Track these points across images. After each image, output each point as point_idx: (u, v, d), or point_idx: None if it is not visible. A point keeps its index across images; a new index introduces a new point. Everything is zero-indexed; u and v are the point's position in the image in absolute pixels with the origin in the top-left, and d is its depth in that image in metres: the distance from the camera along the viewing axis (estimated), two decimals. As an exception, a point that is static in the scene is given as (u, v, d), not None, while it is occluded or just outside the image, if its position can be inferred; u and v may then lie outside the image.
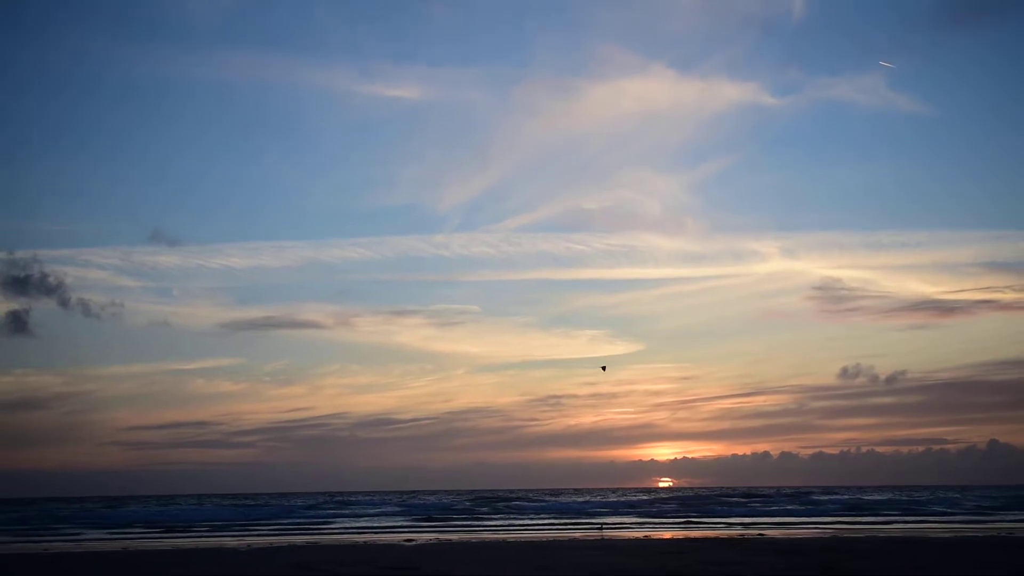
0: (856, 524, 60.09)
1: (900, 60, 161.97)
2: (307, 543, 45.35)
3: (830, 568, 27.42)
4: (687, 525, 60.81)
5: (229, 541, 49.27)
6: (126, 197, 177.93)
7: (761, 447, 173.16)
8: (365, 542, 46.11)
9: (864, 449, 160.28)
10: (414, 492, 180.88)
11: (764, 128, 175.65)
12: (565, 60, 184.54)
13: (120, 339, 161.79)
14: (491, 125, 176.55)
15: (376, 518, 77.71)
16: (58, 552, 43.04)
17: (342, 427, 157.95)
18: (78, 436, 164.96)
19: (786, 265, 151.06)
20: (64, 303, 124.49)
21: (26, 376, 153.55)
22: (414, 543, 43.98)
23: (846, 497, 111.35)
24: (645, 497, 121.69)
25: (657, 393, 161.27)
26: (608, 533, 51.54)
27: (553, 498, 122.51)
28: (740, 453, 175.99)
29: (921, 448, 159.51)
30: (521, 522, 68.01)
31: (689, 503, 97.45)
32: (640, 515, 76.48)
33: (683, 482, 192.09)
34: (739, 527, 56.46)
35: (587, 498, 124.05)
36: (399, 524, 67.32)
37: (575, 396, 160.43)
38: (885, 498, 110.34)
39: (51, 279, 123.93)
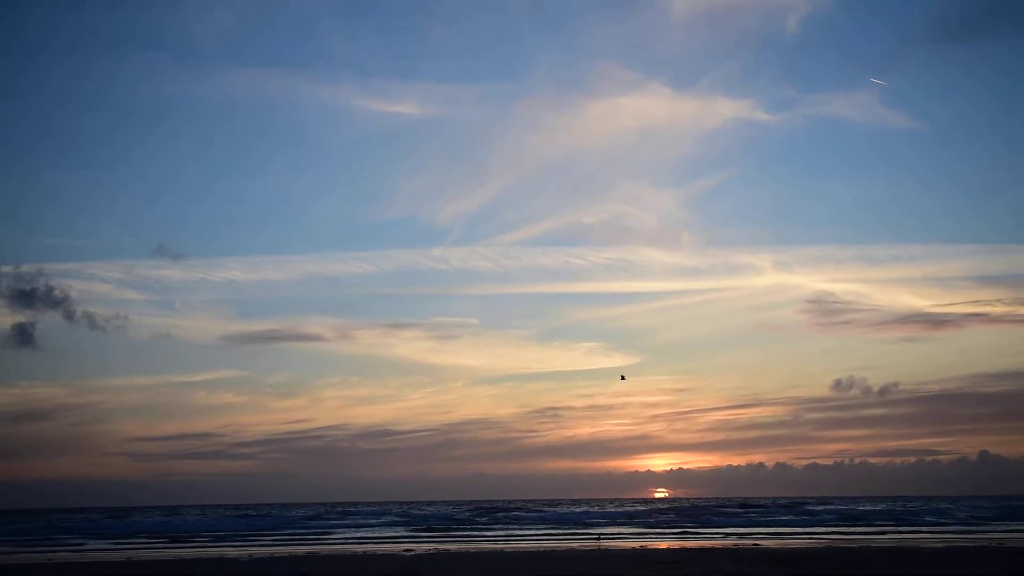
0: (850, 534, 60.68)
1: (892, 77, 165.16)
2: (308, 553, 45.92)
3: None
4: (683, 536, 61.34)
5: (231, 551, 49.81)
6: (130, 212, 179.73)
7: (756, 458, 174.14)
8: (365, 552, 46.70)
9: (857, 460, 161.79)
10: (414, 502, 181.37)
11: (759, 144, 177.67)
12: (564, 77, 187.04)
13: (124, 351, 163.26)
14: (491, 141, 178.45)
15: (376, 528, 78.23)
16: (62, 562, 43.62)
17: (343, 438, 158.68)
18: (83, 447, 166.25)
19: (780, 279, 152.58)
20: (69, 316, 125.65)
21: (32, 388, 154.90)
22: (413, 553, 44.56)
23: (840, 507, 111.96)
24: (642, 508, 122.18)
25: (653, 405, 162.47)
26: (605, 543, 52.13)
27: (551, 508, 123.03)
28: (735, 464, 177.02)
29: (913, 459, 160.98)
30: (519, 532, 68.55)
31: (685, 513, 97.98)
32: (637, 525, 77.02)
33: (679, 493, 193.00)
34: (735, 537, 57.03)
35: (584, 508, 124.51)
36: (399, 534, 67.85)
37: (572, 408, 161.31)
38: (879, 508, 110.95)
39: (56, 292, 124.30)
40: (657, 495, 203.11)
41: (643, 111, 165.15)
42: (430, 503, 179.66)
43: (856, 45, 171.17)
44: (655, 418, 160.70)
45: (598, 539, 56.97)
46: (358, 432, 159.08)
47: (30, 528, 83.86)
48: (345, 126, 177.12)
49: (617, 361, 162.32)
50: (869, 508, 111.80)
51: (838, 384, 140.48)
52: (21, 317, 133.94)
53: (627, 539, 57.37)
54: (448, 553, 44.46)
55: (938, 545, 46.50)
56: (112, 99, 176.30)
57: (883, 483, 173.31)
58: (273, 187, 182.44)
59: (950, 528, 69.36)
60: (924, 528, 69.96)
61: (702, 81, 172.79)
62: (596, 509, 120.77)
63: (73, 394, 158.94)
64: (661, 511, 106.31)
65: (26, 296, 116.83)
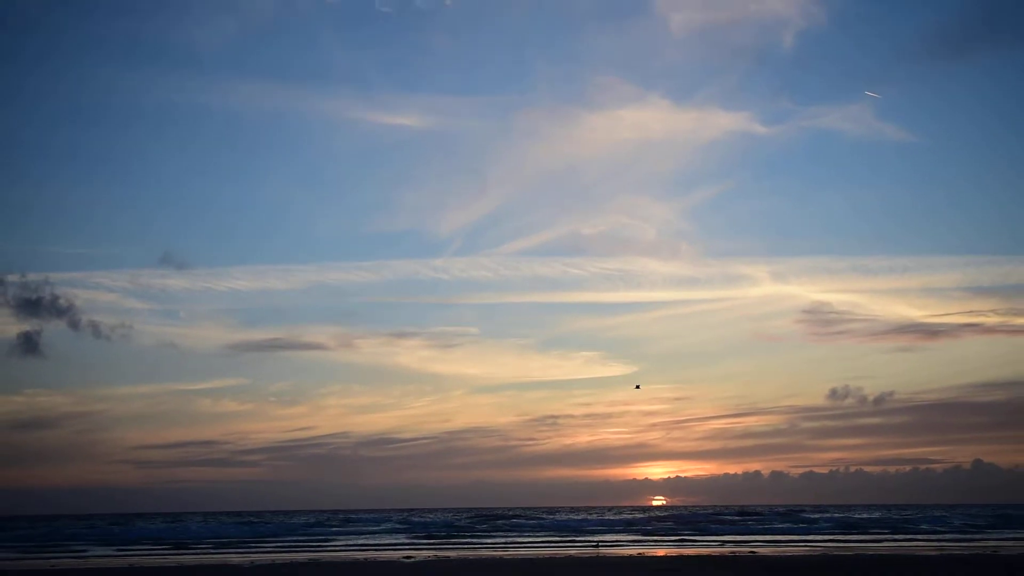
0: (847, 542, 61.16)
1: (887, 91, 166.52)
2: (309, 560, 46.41)
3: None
4: (681, 543, 61.77)
5: (233, 558, 50.29)
6: (135, 222, 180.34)
7: (753, 466, 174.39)
8: (366, 559, 47.20)
9: (853, 468, 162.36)
10: (414, 510, 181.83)
11: (755, 156, 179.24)
12: (564, 90, 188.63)
13: (129, 360, 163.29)
14: (491, 152, 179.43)
15: (377, 535, 78.61)
16: (65, 568, 44.10)
17: (344, 446, 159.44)
18: (87, 455, 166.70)
19: (777, 289, 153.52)
20: (74, 325, 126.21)
21: (37, 396, 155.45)
22: (413, 560, 45.07)
23: (836, 515, 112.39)
24: (640, 515, 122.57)
25: (651, 413, 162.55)
26: (604, 550, 52.63)
27: (550, 516, 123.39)
28: (732, 472, 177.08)
29: (908, 468, 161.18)
30: (519, 539, 68.98)
31: (683, 521, 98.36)
32: (635, 533, 77.42)
33: (676, 500, 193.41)
34: (732, 545, 57.51)
35: (583, 516, 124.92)
36: (399, 541, 68.29)
37: (571, 416, 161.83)
38: (875, 516, 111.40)
39: (62, 301, 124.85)
40: (655, 503, 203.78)
41: (642, 123, 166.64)
42: (430, 510, 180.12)
43: (851, 59, 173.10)
44: (653, 426, 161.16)
45: (597, 546, 57.45)
46: (360, 440, 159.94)
47: (34, 534, 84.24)
48: (347, 138, 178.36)
49: (616, 370, 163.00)
50: (865, 516, 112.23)
51: (834, 393, 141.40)
52: (27, 326, 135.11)
53: (625, 546, 57.84)
54: (448, 560, 44.96)
55: (933, 553, 47.01)
56: (117, 109, 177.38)
57: (878, 491, 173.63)
58: (277, 197, 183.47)
59: (946, 536, 69.86)
60: (920, 536, 70.45)
61: (700, 94, 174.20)
62: (594, 516, 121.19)
63: (78, 402, 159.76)
64: (659, 519, 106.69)
65: (32, 305, 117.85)
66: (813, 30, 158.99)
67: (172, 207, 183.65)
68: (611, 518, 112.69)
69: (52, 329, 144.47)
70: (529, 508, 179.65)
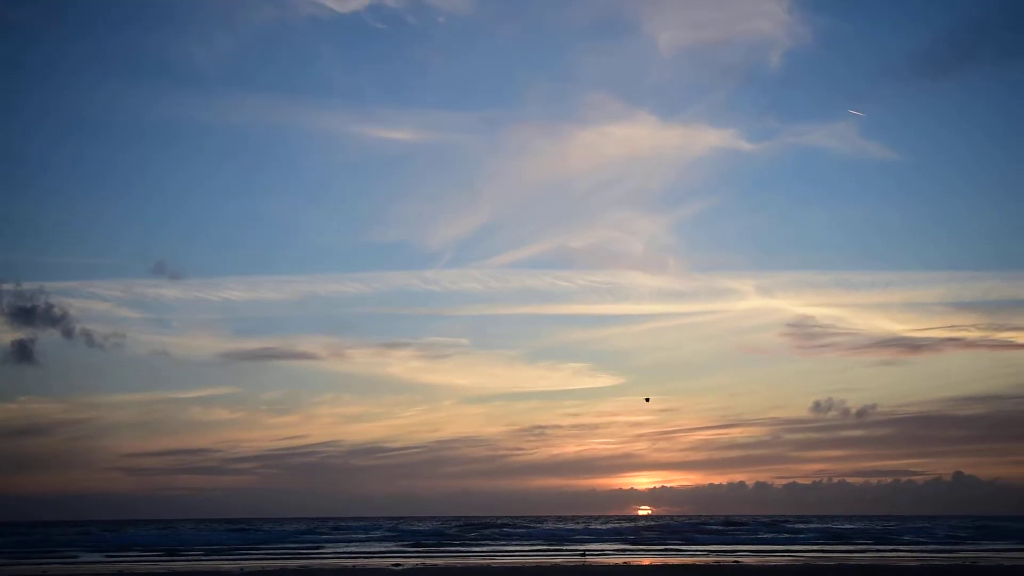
0: (829, 552, 61.87)
1: (870, 109, 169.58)
2: (299, 567, 46.87)
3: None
4: (667, 552, 62.39)
5: (224, 565, 50.70)
6: (130, 233, 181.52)
7: (737, 477, 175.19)
8: (355, 566, 47.68)
9: (836, 480, 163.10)
10: (404, 518, 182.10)
11: (741, 172, 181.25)
12: (554, 106, 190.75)
13: (121, 368, 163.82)
14: (482, 167, 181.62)
15: (366, 543, 79.04)
16: (55, 574, 44.56)
17: (335, 455, 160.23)
18: (79, 462, 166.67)
19: (762, 303, 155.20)
20: (68, 333, 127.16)
21: (30, 403, 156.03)
22: (402, 568, 45.60)
23: (820, 526, 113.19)
24: (627, 525, 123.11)
25: (638, 424, 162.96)
26: (590, 559, 53.23)
27: (537, 525, 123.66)
28: (717, 483, 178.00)
29: (890, 479, 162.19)
30: (506, 548, 69.50)
31: (669, 531, 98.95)
32: (621, 542, 77.97)
33: (662, 510, 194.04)
34: (716, 554, 58.17)
35: (570, 525, 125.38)
36: (388, 549, 68.73)
37: (559, 427, 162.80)
38: (858, 527, 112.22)
39: (56, 310, 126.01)
40: (641, 512, 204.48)
41: (630, 140, 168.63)
42: (420, 519, 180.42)
43: (836, 79, 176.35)
44: (639, 437, 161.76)
45: (583, 555, 58.03)
46: (350, 449, 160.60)
47: (26, 540, 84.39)
48: (342, 152, 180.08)
49: (603, 381, 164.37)
50: (848, 527, 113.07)
51: (817, 406, 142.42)
52: (21, 334, 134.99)
53: (612, 555, 58.44)
54: (436, 568, 45.50)
55: (914, 564, 47.75)
56: (114, 123, 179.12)
57: (861, 502, 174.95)
58: (271, 210, 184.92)
59: (928, 547, 70.65)
60: (903, 547, 71.21)
61: (687, 112, 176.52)
62: (582, 526, 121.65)
63: (71, 410, 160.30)
64: (645, 528, 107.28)
65: (26, 313, 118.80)
66: (799, 50, 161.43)
67: (166, 218, 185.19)
68: (598, 527, 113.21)
69: (46, 337, 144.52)
70: (517, 517, 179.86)
